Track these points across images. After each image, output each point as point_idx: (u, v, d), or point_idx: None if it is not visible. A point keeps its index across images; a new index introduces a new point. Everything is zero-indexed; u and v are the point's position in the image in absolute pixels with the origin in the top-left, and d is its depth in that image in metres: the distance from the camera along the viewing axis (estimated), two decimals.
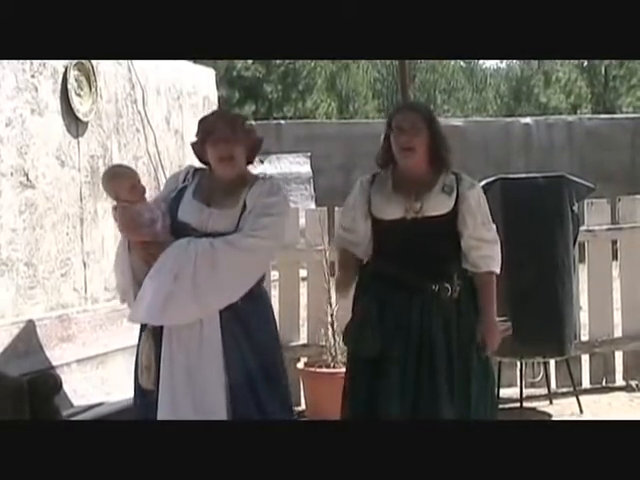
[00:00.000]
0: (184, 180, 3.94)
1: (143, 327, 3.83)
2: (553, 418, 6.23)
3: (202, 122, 3.92)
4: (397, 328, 3.91)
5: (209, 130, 3.83)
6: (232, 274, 3.70)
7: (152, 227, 3.77)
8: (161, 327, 3.74)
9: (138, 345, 3.85)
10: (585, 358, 6.99)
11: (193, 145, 3.95)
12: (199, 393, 3.68)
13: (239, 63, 23.49)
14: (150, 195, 4.58)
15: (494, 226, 4.16)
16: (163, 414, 3.69)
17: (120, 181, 3.86)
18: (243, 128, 3.87)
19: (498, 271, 4.16)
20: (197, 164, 4.09)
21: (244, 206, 3.77)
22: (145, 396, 3.79)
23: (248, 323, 3.80)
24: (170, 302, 3.63)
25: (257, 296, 3.87)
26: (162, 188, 4.20)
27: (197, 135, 3.91)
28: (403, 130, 3.96)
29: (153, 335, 3.77)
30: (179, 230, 3.78)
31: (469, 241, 4.06)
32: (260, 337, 3.83)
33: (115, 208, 3.84)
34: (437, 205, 3.99)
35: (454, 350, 3.94)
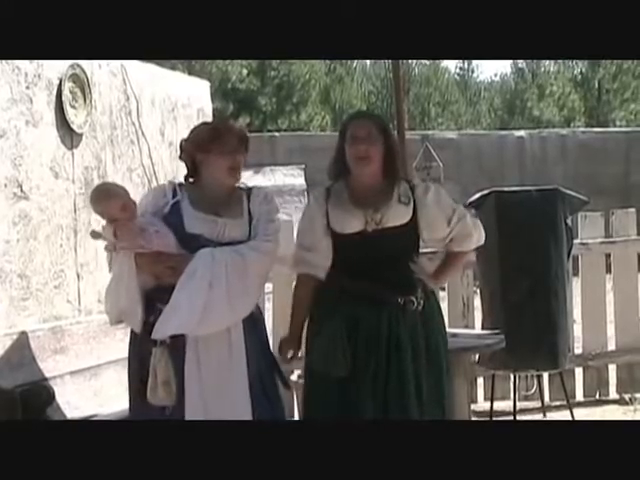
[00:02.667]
0: (174, 195, 3.91)
1: (154, 342, 3.73)
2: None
3: (210, 129, 3.93)
4: (367, 344, 3.87)
5: (219, 137, 3.84)
6: (258, 278, 3.88)
7: (162, 239, 3.75)
8: (182, 341, 3.72)
9: (151, 362, 3.74)
10: (579, 371, 7.00)
11: (189, 149, 3.92)
12: (228, 404, 3.73)
13: (234, 75, 23.53)
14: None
15: (458, 207, 4.17)
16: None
17: (110, 200, 3.79)
18: (247, 141, 3.95)
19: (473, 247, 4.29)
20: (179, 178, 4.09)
21: (249, 215, 3.90)
22: (154, 413, 3.71)
23: (261, 328, 4.00)
24: (207, 311, 3.68)
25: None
26: (145, 204, 3.98)
27: (201, 142, 3.87)
28: (359, 139, 3.91)
29: (170, 350, 3.71)
30: (190, 242, 3.78)
31: (444, 241, 4.14)
32: (266, 344, 4.03)
33: (104, 228, 3.78)
34: (396, 215, 3.96)
35: (422, 357, 3.93)
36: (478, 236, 4.21)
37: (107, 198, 3.81)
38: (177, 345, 3.72)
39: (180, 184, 3.98)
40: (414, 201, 4.00)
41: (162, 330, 3.71)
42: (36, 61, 4.92)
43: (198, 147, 3.88)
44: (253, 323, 3.89)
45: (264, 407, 3.81)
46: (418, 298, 3.97)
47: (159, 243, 3.75)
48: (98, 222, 5.36)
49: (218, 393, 3.74)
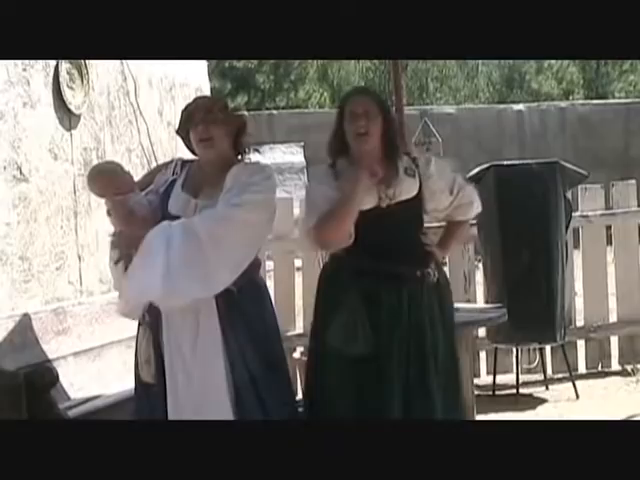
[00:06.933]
0: (173, 173, 3.91)
1: (140, 321, 3.80)
2: (549, 404, 6.26)
3: (183, 111, 3.91)
4: (388, 321, 3.85)
5: (188, 116, 3.82)
6: (216, 245, 3.55)
7: (147, 220, 3.71)
8: (158, 320, 3.71)
9: (136, 339, 3.84)
10: (581, 343, 7.03)
11: (178, 134, 3.94)
12: (200, 388, 3.64)
13: None
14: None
15: (457, 176, 4.17)
16: (172, 410, 3.68)
17: (105, 176, 3.82)
18: (222, 110, 3.82)
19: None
20: (186, 156, 4.08)
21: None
22: (146, 389, 3.78)
23: (247, 313, 3.75)
24: (165, 279, 3.49)
25: (254, 286, 3.83)
26: (150, 181, 4.13)
27: (180, 124, 3.89)
28: (358, 115, 3.88)
29: (150, 329, 3.74)
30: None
31: (447, 210, 4.15)
32: (260, 327, 3.79)
33: (107, 203, 3.80)
34: (407, 188, 3.95)
35: (438, 329, 3.94)
36: (478, 204, 4.26)
37: (101, 174, 3.85)
38: (155, 326, 3.72)
39: (184, 162, 3.95)
40: (418, 174, 4.01)
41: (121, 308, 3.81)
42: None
43: (181, 127, 3.89)
44: (237, 307, 3.72)
45: (267, 391, 3.73)
46: (433, 269, 3.99)
47: (144, 224, 3.69)
48: (98, 203, 5.37)
49: (189, 379, 3.66)
